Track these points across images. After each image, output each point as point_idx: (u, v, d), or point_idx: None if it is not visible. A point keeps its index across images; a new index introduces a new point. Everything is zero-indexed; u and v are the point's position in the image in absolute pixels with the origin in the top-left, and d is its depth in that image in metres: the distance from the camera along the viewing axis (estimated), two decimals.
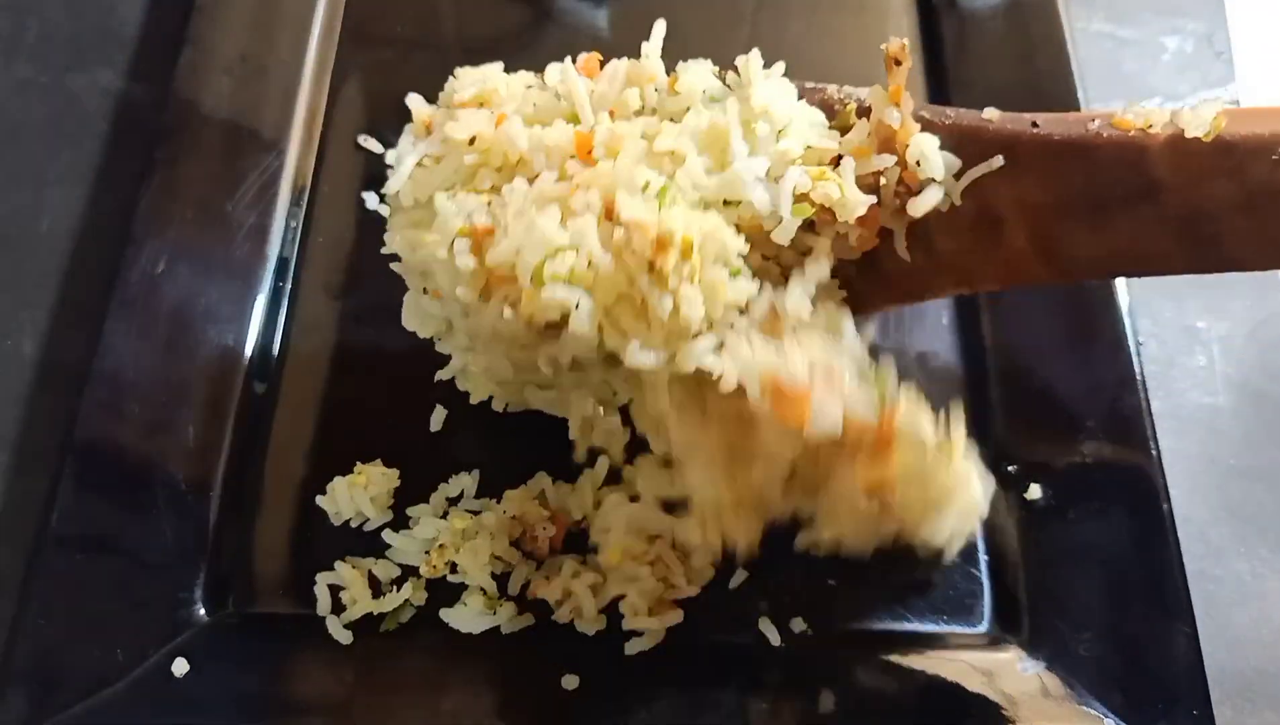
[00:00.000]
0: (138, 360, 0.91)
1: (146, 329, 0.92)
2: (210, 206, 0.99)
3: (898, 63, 0.71)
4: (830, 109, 0.77)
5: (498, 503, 0.88)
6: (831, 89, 0.79)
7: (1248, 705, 0.85)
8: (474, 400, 0.91)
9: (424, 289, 0.81)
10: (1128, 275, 0.76)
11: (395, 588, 0.85)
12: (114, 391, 0.89)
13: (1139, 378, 0.89)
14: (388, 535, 0.88)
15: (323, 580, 0.86)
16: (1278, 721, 0.85)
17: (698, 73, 0.78)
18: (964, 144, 0.72)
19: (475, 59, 0.84)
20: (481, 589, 0.85)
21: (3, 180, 1.07)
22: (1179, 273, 0.71)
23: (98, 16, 1.18)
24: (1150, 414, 0.87)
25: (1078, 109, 1.01)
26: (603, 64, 0.80)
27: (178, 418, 0.90)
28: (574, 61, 0.79)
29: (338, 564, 0.87)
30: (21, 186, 1.07)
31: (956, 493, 0.75)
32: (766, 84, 0.75)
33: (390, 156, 0.83)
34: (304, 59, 1.11)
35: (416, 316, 0.83)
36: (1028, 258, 0.73)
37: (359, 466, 0.90)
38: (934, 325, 1.01)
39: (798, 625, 0.85)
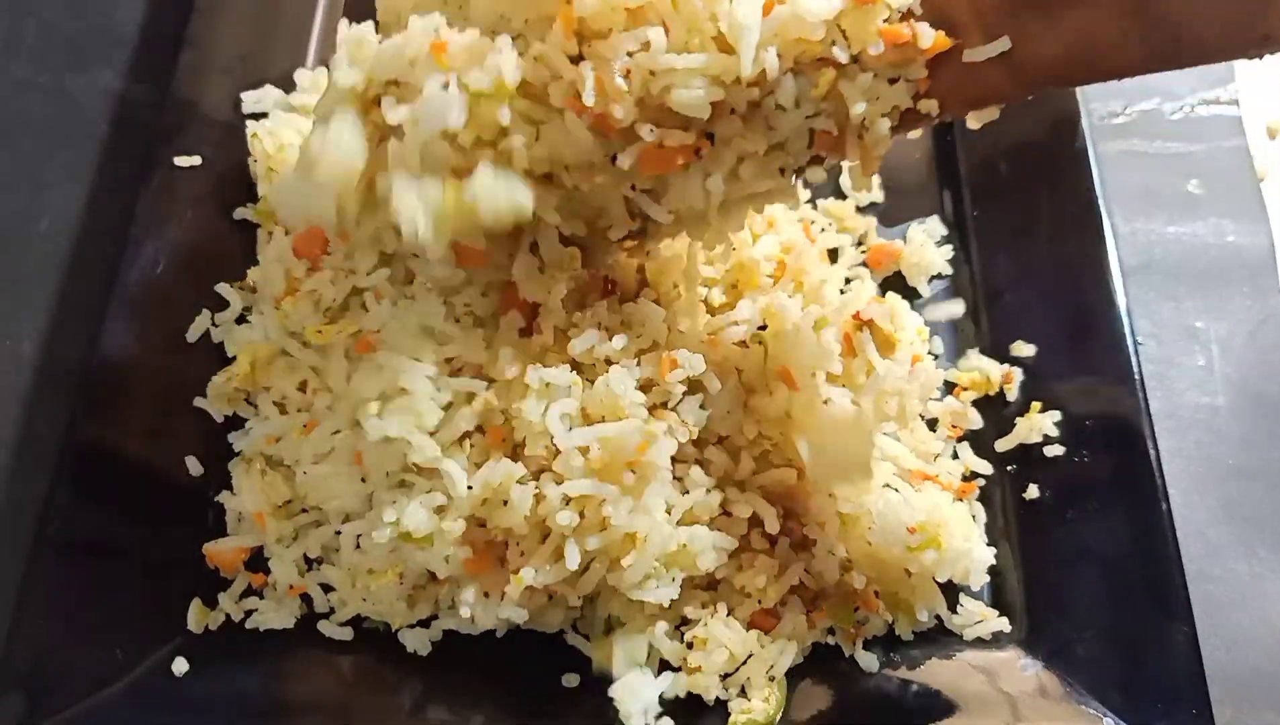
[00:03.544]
0: (138, 360, 0.91)
1: (146, 329, 0.92)
2: (210, 206, 0.99)
3: None
4: None
5: None
6: None
7: (1247, 704, 0.85)
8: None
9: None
10: (1090, 78, 0.74)
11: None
12: (114, 391, 0.89)
13: (1138, 378, 0.89)
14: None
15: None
16: (1277, 721, 0.85)
17: None
18: None
19: None
20: None
21: (2, 180, 1.07)
22: (1141, 69, 0.70)
23: (98, 16, 1.18)
24: (1149, 414, 0.87)
25: (1077, 109, 1.01)
26: None
27: (177, 418, 0.91)
28: None
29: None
30: (21, 187, 1.07)
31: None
32: None
33: None
34: (304, 59, 1.11)
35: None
36: (988, 67, 0.73)
37: None
38: (932, 324, 1.01)
39: None
